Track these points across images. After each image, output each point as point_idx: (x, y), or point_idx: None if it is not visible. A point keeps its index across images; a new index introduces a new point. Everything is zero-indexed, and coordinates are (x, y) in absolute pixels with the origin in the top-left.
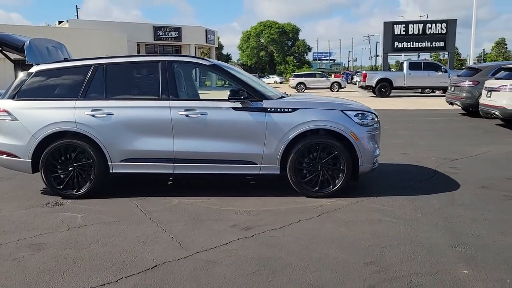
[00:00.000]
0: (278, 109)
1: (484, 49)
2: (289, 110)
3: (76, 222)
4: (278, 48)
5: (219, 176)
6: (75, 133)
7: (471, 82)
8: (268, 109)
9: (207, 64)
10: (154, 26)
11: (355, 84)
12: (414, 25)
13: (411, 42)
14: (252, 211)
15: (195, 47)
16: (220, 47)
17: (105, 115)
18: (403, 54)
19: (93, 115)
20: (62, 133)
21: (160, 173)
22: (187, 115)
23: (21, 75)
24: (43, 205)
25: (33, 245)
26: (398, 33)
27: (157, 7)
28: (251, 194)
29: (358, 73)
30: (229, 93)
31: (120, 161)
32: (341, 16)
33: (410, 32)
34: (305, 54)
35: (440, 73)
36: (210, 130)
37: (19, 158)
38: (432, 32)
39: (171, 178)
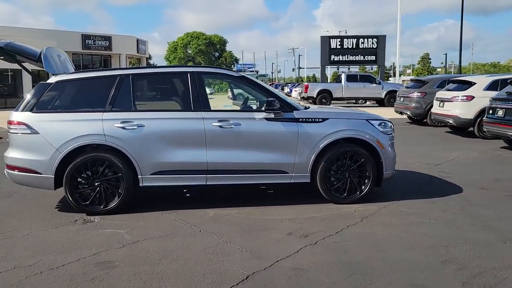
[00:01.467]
0: (309, 119)
1: (412, 64)
2: (320, 120)
3: (124, 238)
4: (206, 59)
5: (248, 186)
6: (102, 146)
7: (419, 94)
8: (300, 119)
9: (236, 75)
10: (82, 35)
11: (287, 95)
12: (349, 39)
13: (346, 56)
14: (295, 219)
15: (126, 57)
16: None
17: (135, 127)
18: (339, 66)
19: (123, 127)
20: (88, 146)
21: (191, 185)
22: (220, 126)
23: (39, 86)
24: (71, 223)
25: (99, 263)
26: (334, 47)
27: (70, 14)
28: (279, 203)
29: (289, 85)
30: (265, 104)
31: (151, 174)
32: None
33: (345, 46)
34: (232, 66)
35: (375, 84)
36: (243, 140)
37: (40, 174)
38: (364, 47)
39: (185, 190)
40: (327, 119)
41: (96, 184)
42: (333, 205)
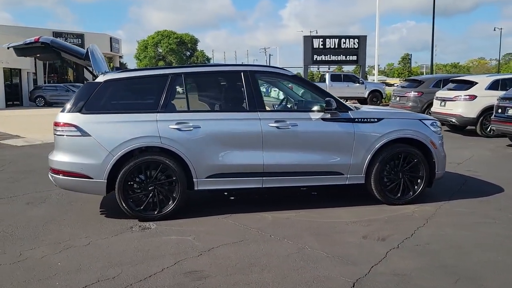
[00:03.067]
0: (365, 119)
1: (393, 63)
2: (375, 120)
3: (196, 245)
4: (177, 58)
5: (288, 189)
6: (156, 148)
7: (416, 93)
8: (356, 120)
9: (290, 74)
10: (53, 32)
11: None
12: (331, 39)
13: (329, 55)
14: (359, 221)
15: None
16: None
17: (191, 128)
18: (320, 66)
19: (178, 129)
20: (142, 149)
21: (247, 188)
22: (277, 127)
23: (87, 86)
24: (128, 230)
25: (188, 273)
26: (317, 47)
27: (29, 10)
28: (330, 205)
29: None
30: (325, 104)
31: (206, 177)
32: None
33: (327, 46)
34: None
35: (358, 84)
36: (300, 141)
37: (91, 178)
38: (346, 47)
39: (225, 193)
40: (382, 119)
41: (149, 188)
42: (386, 206)
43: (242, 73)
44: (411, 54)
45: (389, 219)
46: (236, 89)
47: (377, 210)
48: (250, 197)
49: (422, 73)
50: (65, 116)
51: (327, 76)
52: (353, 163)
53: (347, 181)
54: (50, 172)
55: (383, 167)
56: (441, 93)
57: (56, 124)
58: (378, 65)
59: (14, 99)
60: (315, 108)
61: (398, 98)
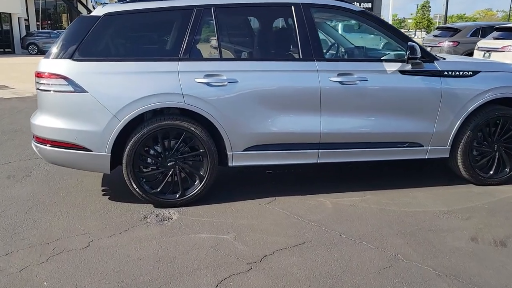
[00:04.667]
0: (457, 73)
1: (411, 14)
2: (469, 73)
3: (240, 250)
4: None
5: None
6: (178, 110)
7: (451, 43)
8: (445, 73)
9: (356, 10)
10: None
11: None
12: None
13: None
14: (452, 211)
15: None
16: None
17: (225, 83)
18: None
19: (207, 83)
20: (158, 111)
21: (298, 164)
22: (341, 82)
23: (80, 21)
24: (141, 221)
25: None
26: None
27: None
28: (401, 184)
29: None
30: (408, 50)
31: (245, 150)
32: None
33: None
34: None
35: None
36: (369, 102)
37: (89, 151)
38: None
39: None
40: (478, 72)
41: (169, 164)
42: (473, 187)
43: (293, 8)
44: (417, 5)
45: (491, 208)
46: (285, 29)
47: (465, 193)
48: (294, 173)
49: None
50: (51, 64)
51: (340, 26)
52: (436, 131)
53: (427, 155)
54: (33, 140)
55: (474, 137)
56: (484, 42)
57: (39, 75)
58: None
59: (5, 46)
60: (393, 56)
61: (429, 49)
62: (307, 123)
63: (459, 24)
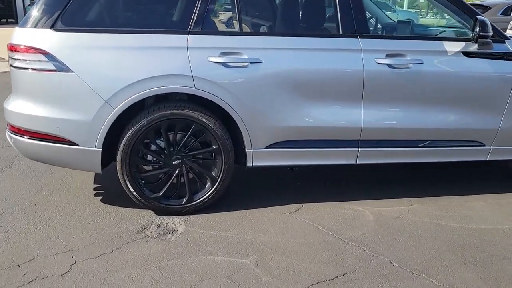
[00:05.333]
0: None
1: None
2: None
3: (263, 282)
4: None
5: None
6: (186, 97)
7: None
8: None
9: None
10: None
11: None
12: None
13: None
14: None
15: None
16: None
17: (247, 63)
18: None
19: (224, 63)
20: (161, 97)
21: (332, 165)
22: (389, 65)
23: None
24: (139, 233)
25: None
26: None
27: None
28: (444, 191)
29: None
30: (478, 26)
31: (267, 147)
32: None
33: None
34: None
35: (389, 12)
36: (423, 91)
37: (75, 145)
38: None
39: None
40: None
41: (174, 163)
42: None
43: None
44: None
45: None
46: None
47: None
48: (322, 172)
49: None
50: (28, 35)
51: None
52: (503, 127)
53: (489, 156)
54: (8, 130)
55: None
56: None
57: (13, 48)
58: None
59: (8, 16)
60: (453, 34)
61: None
62: (345, 115)
63: (489, 1)
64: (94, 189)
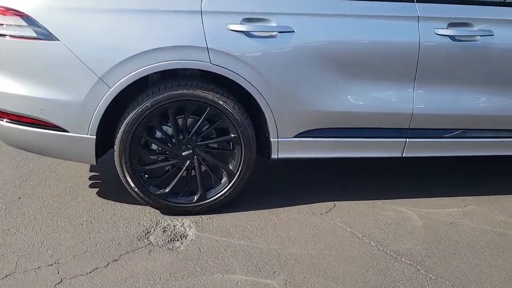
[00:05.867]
0: None
1: None
2: None
3: None
4: None
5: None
6: (196, 72)
7: None
8: None
9: None
10: None
11: None
12: None
13: None
14: None
15: None
16: None
17: (275, 32)
18: None
19: (247, 32)
20: (169, 74)
21: (370, 158)
22: (452, 37)
23: None
24: (141, 240)
25: None
26: None
27: None
28: (501, 189)
29: None
30: None
31: (298, 135)
32: None
33: None
34: None
35: None
36: (493, 69)
37: (63, 131)
38: None
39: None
40: None
41: (184, 154)
42: None
43: None
44: None
45: None
46: None
47: None
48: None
49: None
50: None
51: None
52: None
53: None
54: None
55: None
56: None
57: None
58: None
59: None
60: None
61: None
62: (392, 99)
63: None
64: (90, 178)
